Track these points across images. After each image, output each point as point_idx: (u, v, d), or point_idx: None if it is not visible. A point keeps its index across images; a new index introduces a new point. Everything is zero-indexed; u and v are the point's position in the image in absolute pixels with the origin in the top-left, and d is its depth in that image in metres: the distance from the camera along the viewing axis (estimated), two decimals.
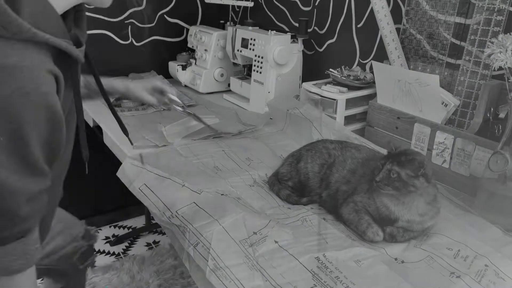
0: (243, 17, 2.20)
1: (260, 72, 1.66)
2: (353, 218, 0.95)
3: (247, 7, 2.12)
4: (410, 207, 0.91)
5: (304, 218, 0.99)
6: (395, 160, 0.91)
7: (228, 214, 0.95)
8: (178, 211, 0.99)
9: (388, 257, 0.88)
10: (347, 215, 0.97)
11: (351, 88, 1.42)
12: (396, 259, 0.88)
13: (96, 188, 2.22)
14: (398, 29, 1.37)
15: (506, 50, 0.96)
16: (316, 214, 1.01)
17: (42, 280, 1.32)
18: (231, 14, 2.28)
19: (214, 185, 1.11)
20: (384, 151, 1.20)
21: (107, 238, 2.27)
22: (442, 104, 1.21)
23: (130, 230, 2.36)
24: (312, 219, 0.98)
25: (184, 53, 2.07)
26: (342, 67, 1.51)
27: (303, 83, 1.51)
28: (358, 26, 1.61)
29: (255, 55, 1.67)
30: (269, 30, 1.67)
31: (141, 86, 1.19)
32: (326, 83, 1.47)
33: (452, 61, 1.25)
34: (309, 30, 1.76)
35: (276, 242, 0.88)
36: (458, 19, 1.22)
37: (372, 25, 1.50)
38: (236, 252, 0.86)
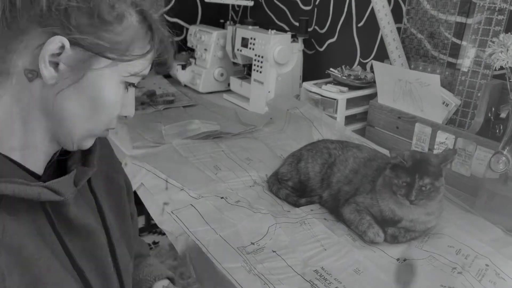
0: (243, 16, 2.19)
1: (260, 72, 1.66)
2: (354, 218, 0.95)
3: (247, 6, 2.11)
4: (420, 207, 0.90)
5: (303, 221, 0.98)
6: (423, 173, 0.88)
7: (226, 225, 0.95)
8: (174, 211, 0.99)
9: (389, 258, 0.88)
10: (348, 214, 0.96)
11: (351, 87, 1.42)
12: (398, 259, 0.88)
13: None
14: (398, 29, 1.36)
15: (507, 50, 0.95)
16: (316, 218, 1.00)
17: None
18: (231, 14, 2.27)
19: (213, 187, 1.10)
20: (384, 151, 1.19)
21: None
22: (443, 104, 1.20)
23: None
24: (311, 222, 0.98)
25: (183, 53, 2.07)
26: (343, 66, 1.50)
27: (304, 83, 1.51)
28: (359, 25, 1.60)
29: (255, 55, 1.67)
30: (269, 30, 1.66)
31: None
32: (326, 83, 1.46)
33: (453, 60, 1.25)
34: (309, 30, 1.75)
35: (274, 251, 0.88)
36: (459, 19, 1.21)
37: (372, 24, 1.49)
38: (234, 256, 0.85)
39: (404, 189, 0.88)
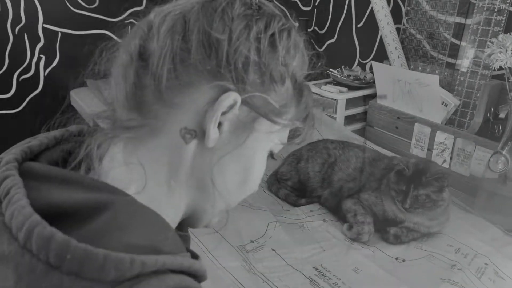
0: None
1: None
2: (357, 208, 0.95)
3: None
4: (423, 213, 0.90)
5: (302, 224, 0.98)
6: (418, 184, 0.88)
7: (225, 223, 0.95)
8: None
9: (388, 257, 0.88)
10: (350, 204, 0.96)
11: (351, 88, 1.42)
12: (397, 258, 0.88)
13: None
14: (398, 29, 1.37)
15: (506, 50, 0.95)
16: (315, 220, 1.00)
17: None
18: None
19: None
20: (384, 151, 1.20)
21: None
22: (442, 104, 1.21)
23: None
24: (309, 225, 0.98)
25: None
26: (342, 67, 1.51)
27: None
28: (358, 26, 1.61)
29: None
30: None
31: None
32: (326, 83, 1.47)
33: (452, 61, 1.25)
34: (309, 30, 1.75)
35: (273, 250, 0.88)
36: (458, 19, 1.22)
37: (372, 25, 1.50)
38: (234, 255, 0.86)
39: (401, 196, 0.89)
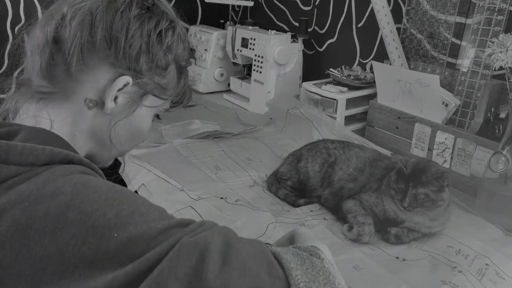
0: (243, 16, 2.20)
1: (260, 72, 1.66)
2: (358, 209, 0.95)
3: (247, 6, 2.12)
4: (424, 213, 0.90)
5: (303, 223, 0.98)
6: (417, 183, 0.88)
7: (225, 223, 0.94)
8: (174, 213, 0.99)
9: (388, 257, 0.88)
10: (350, 205, 0.96)
11: (351, 88, 1.42)
12: (397, 257, 0.88)
13: None
14: (398, 29, 1.37)
15: (507, 50, 0.95)
16: (315, 219, 1.00)
17: None
18: (231, 14, 2.27)
19: (213, 187, 1.10)
20: (384, 151, 1.20)
21: None
22: (443, 104, 1.21)
23: None
24: (310, 224, 0.98)
25: None
26: (342, 66, 1.51)
27: (303, 83, 1.51)
28: (359, 25, 1.61)
29: (255, 55, 1.67)
30: (269, 30, 1.66)
31: None
32: (326, 83, 1.47)
33: (452, 61, 1.25)
34: (309, 30, 1.75)
35: (272, 246, 0.88)
36: (459, 19, 1.22)
37: (372, 24, 1.50)
38: None
39: (400, 195, 0.89)
